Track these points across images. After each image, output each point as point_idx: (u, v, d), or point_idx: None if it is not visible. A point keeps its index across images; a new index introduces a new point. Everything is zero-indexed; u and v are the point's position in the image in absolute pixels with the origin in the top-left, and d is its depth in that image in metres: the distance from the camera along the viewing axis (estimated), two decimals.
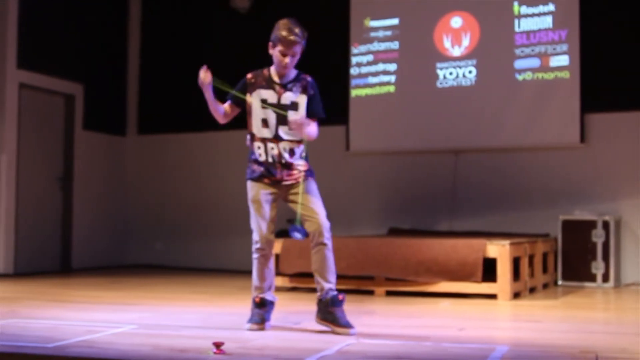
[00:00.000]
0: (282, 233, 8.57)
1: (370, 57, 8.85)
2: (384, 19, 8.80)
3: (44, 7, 8.87)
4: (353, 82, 8.87)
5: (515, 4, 8.27)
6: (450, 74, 8.48)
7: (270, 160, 4.31)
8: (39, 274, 8.52)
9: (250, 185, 4.39)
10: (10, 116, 8.49)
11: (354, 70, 8.89)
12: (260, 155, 4.33)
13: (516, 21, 8.25)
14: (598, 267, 7.48)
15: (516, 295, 6.36)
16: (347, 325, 4.15)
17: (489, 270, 6.26)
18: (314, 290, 6.67)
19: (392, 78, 8.74)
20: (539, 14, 8.16)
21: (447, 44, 8.53)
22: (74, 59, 9.32)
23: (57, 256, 9.15)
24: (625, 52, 7.85)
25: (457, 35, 8.49)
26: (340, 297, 4.24)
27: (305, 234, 4.24)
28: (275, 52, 4.30)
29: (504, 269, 6.19)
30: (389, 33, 8.79)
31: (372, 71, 8.82)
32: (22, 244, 8.59)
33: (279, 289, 6.84)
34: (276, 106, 4.29)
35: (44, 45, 8.91)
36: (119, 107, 10.14)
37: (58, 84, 9.08)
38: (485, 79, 8.34)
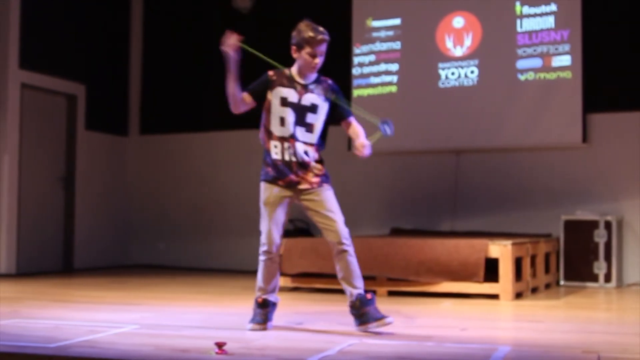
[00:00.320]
0: (283, 233, 8.59)
1: (372, 57, 8.85)
2: (386, 19, 8.80)
3: (46, 7, 8.88)
4: (355, 82, 8.87)
5: (517, 4, 8.26)
6: (452, 74, 8.47)
7: (286, 159, 4.24)
8: (41, 274, 8.53)
9: (264, 187, 4.31)
10: (13, 116, 8.49)
11: (356, 71, 8.89)
12: (276, 154, 4.26)
13: (518, 21, 8.25)
14: (600, 267, 7.47)
15: (518, 295, 6.36)
16: (382, 317, 4.15)
17: (491, 271, 6.26)
18: (316, 290, 6.70)
19: (394, 78, 8.74)
20: (541, 14, 8.15)
21: (449, 44, 8.52)
22: (76, 59, 9.32)
23: (59, 256, 9.16)
24: (627, 52, 7.84)
25: (459, 35, 8.49)
26: (369, 295, 4.22)
27: (391, 131, 4.16)
28: (302, 54, 4.23)
29: (506, 269, 6.18)
30: (391, 33, 8.79)
31: (374, 71, 8.82)
32: (24, 244, 8.59)
33: (281, 289, 6.86)
34: (296, 105, 4.24)
35: (46, 46, 8.91)
36: (121, 107, 10.15)
37: (60, 84, 9.09)
38: (487, 79, 8.34)
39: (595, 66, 7.90)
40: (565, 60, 8.00)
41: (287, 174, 4.25)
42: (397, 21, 8.78)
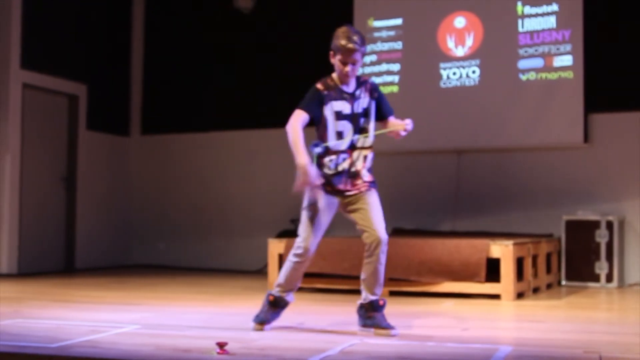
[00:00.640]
0: (284, 233, 8.59)
1: (373, 57, 8.85)
2: (388, 19, 8.80)
3: (47, 7, 8.88)
4: None
5: (519, 4, 8.26)
6: (454, 74, 8.47)
7: (339, 169, 4.18)
8: (42, 274, 8.53)
9: (308, 191, 4.22)
10: (14, 116, 8.50)
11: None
12: (329, 168, 4.18)
13: (520, 21, 8.24)
14: (601, 267, 7.47)
15: (519, 295, 6.35)
16: (388, 327, 4.12)
17: (492, 271, 6.26)
18: (317, 290, 6.70)
19: (396, 78, 8.73)
20: (543, 14, 8.15)
21: (450, 44, 8.52)
22: (77, 59, 9.33)
23: (61, 256, 9.16)
24: (628, 52, 7.84)
25: (460, 35, 8.49)
26: (381, 302, 4.21)
27: (323, 150, 4.10)
28: (335, 61, 4.19)
29: (507, 269, 6.18)
30: (392, 33, 8.79)
31: (375, 71, 8.82)
32: (26, 244, 8.60)
33: None
34: (351, 116, 4.18)
35: (48, 46, 8.92)
36: (123, 107, 10.15)
37: (61, 84, 9.09)
38: (489, 79, 8.34)
39: (596, 66, 7.90)
40: (566, 60, 7.99)
41: (337, 184, 4.19)
42: (398, 21, 8.78)
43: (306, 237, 4.21)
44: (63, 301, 5.86)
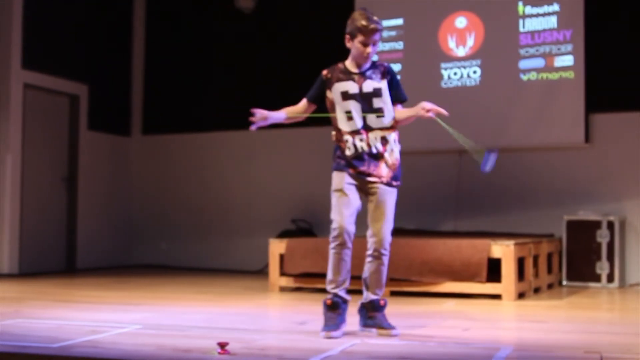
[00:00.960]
0: (285, 233, 8.59)
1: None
2: (389, 19, 8.79)
3: (48, 7, 8.89)
4: None
5: (520, 4, 8.25)
6: (455, 74, 8.47)
7: (359, 151, 4.16)
8: (43, 274, 8.53)
9: (334, 175, 4.20)
10: (15, 116, 8.50)
11: None
12: (348, 149, 4.16)
13: (521, 21, 8.24)
14: (603, 268, 7.47)
15: (521, 295, 6.35)
16: (389, 327, 4.11)
17: (493, 271, 6.26)
18: (318, 290, 6.69)
19: None
20: (544, 14, 8.15)
21: (451, 44, 8.52)
22: (78, 59, 9.33)
23: (62, 256, 9.17)
24: (630, 52, 7.83)
25: (461, 35, 8.49)
26: (382, 302, 4.20)
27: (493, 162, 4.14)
28: (355, 43, 4.19)
29: (508, 269, 6.18)
30: (393, 33, 8.79)
31: None
32: (27, 244, 8.60)
33: (283, 289, 6.88)
34: (359, 96, 4.17)
35: (49, 46, 8.92)
36: (124, 107, 10.15)
37: (63, 85, 9.10)
38: (490, 79, 8.34)
39: (597, 66, 7.89)
40: (567, 60, 7.99)
41: (359, 166, 4.16)
42: (399, 21, 8.78)
43: (337, 217, 4.11)
44: (64, 301, 5.86)
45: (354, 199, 4.15)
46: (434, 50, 8.58)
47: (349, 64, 4.27)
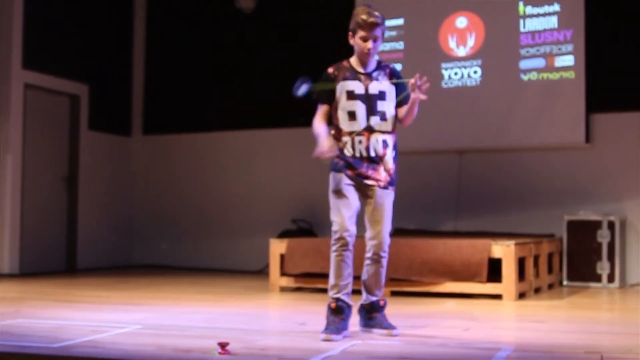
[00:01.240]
0: (285, 233, 8.59)
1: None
2: (389, 19, 8.78)
3: (49, 7, 8.89)
4: None
5: (521, 4, 8.25)
6: (455, 74, 8.47)
7: (357, 154, 4.11)
8: (44, 274, 8.53)
9: (332, 176, 4.16)
10: (16, 116, 8.50)
11: None
12: (347, 150, 4.11)
13: (521, 21, 8.24)
14: (603, 268, 7.46)
15: (521, 295, 6.35)
16: (389, 327, 4.11)
17: (494, 271, 6.26)
18: (318, 290, 6.69)
19: None
20: (544, 14, 8.14)
21: (452, 44, 8.52)
22: (79, 59, 9.33)
23: (62, 256, 9.17)
24: (630, 52, 7.83)
25: (462, 35, 8.48)
26: (382, 302, 4.19)
27: (308, 90, 4.04)
28: (356, 39, 4.14)
29: (509, 270, 6.18)
30: (393, 33, 8.78)
31: None
32: (27, 244, 8.60)
33: (283, 289, 6.88)
34: (364, 97, 4.13)
35: (49, 46, 8.92)
36: (124, 107, 10.15)
37: (63, 85, 9.10)
38: (490, 79, 8.33)
39: (598, 66, 7.89)
40: (568, 60, 7.99)
41: (357, 168, 4.12)
42: (400, 21, 8.77)
43: (337, 218, 4.08)
44: (64, 301, 5.86)
45: (354, 200, 4.12)
46: (434, 50, 8.57)
47: (354, 62, 4.22)
